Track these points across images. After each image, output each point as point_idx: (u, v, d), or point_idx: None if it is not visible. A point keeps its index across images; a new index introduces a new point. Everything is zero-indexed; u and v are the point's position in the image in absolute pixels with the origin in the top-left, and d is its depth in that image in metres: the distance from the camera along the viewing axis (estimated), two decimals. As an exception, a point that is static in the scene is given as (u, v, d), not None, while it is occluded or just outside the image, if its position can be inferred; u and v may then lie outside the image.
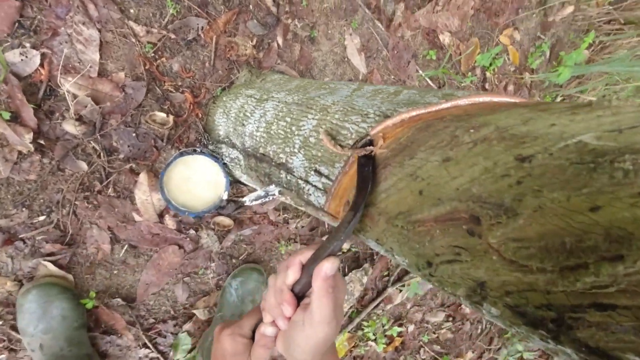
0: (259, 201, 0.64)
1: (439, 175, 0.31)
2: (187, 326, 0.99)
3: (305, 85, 0.64)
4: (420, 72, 1.11)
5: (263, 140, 0.63)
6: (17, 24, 0.66)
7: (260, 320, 0.42)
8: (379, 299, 1.26)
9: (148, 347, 0.96)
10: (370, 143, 0.39)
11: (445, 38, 1.14)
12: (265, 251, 1.04)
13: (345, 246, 1.13)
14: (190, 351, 1.01)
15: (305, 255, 0.37)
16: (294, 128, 0.54)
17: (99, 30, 0.72)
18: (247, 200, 0.64)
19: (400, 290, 1.30)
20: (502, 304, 0.28)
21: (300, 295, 0.37)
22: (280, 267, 0.38)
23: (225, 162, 0.82)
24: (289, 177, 0.57)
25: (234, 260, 1.01)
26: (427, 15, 1.09)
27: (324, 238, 0.43)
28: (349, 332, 1.24)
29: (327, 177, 0.46)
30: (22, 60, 0.68)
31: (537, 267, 0.23)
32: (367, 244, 0.48)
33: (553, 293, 0.23)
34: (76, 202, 0.80)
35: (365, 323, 1.26)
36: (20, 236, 0.77)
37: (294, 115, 0.55)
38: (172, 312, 0.97)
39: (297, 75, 0.94)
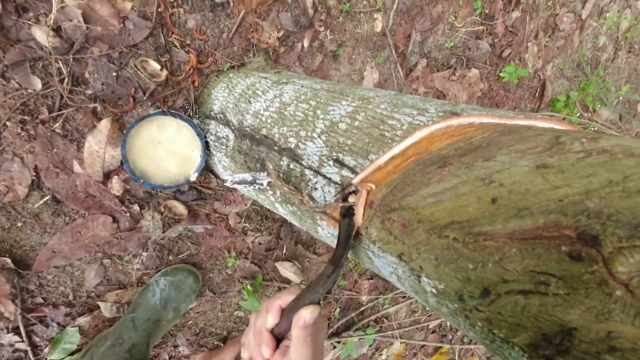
0: (241, 186, 0.54)
1: (530, 182, 0.25)
2: (83, 320, 0.79)
3: (333, 83, 0.58)
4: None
5: (270, 120, 0.54)
6: None
7: (239, 353, 0.42)
8: (311, 351, 1.12)
9: (19, 334, 0.74)
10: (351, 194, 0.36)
11: (451, 107, 1.17)
12: (210, 257, 0.90)
13: (296, 280, 1.01)
14: (72, 353, 0.80)
15: (285, 299, 0.36)
16: (319, 112, 0.47)
17: (124, -52, 0.63)
18: (229, 179, 0.53)
19: (335, 347, 1.17)
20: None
21: (280, 337, 0.37)
22: (260, 307, 0.38)
23: (209, 140, 0.72)
24: (292, 166, 0.48)
25: (170, 257, 0.85)
26: (443, 80, 1.12)
27: (301, 283, 0.40)
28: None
29: (351, 169, 0.38)
30: (19, -64, 0.56)
31: (697, 316, 0.17)
32: (366, 261, 0.39)
33: None
34: (7, 123, 0.64)
35: (287, 374, 1.10)
36: None
37: (322, 99, 0.48)
38: (70, 297, 0.78)
39: (310, 84, 0.89)
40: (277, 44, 0.83)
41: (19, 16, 0.60)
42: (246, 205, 0.89)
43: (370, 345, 1.27)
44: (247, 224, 0.92)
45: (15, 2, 0.59)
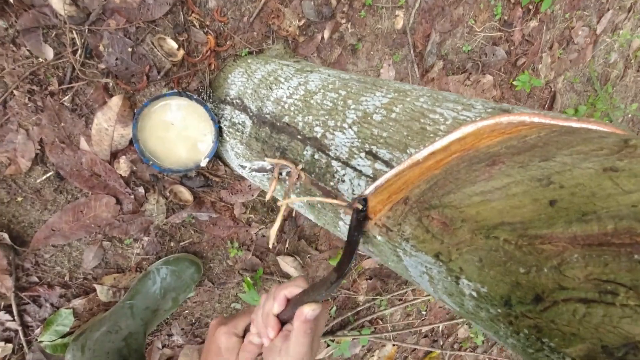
0: (260, 174, 0.52)
1: (596, 185, 0.23)
2: (78, 302, 0.76)
3: (361, 75, 0.56)
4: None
5: (294, 108, 0.53)
6: None
7: (249, 324, 0.45)
8: (305, 348, 1.11)
9: (10, 313, 0.72)
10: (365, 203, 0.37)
11: (462, 112, 1.16)
12: (212, 247, 0.88)
13: (296, 275, 1.00)
14: (64, 335, 0.77)
15: (291, 290, 0.40)
16: (350, 102, 0.45)
17: None
18: (249, 166, 0.51)
19: (329, 345, 1.16)
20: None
21: (284, 322, 0.40)
22: (269, 293, 0.42)
23: (223, 126, 0.69)
24: (317, 156, 0.46)
25: (172, 244, 0.83)
26: (457, 83, 1.11)
27: (302, 277, 0.44)
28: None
29: (386, 162, 0.37)
30: None
31: None
32: (392, 260, 0.38)
33: None
34: (14, 92, 0.61)
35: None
36: None
37: (353, 89, 0.47)
38: (66, 278, 0.75)
39: (327, 77, 0.87)
40: (298, 33, 0.81)
41: (36, -20, 0.57)
42: (253, 195, 0.87)
43: (363, 346, 1.26)
44: (252, 215, 0.90)
45: (33, -36, 0.56)
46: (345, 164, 0.42)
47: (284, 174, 0.52)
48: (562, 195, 0.25)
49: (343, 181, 0.42)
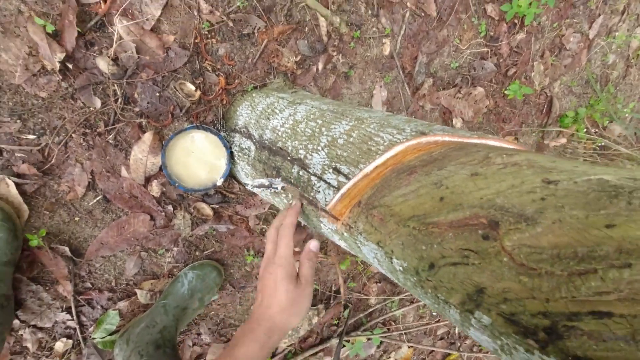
0: (260, 189, 0.65)
1: (465, 185, 0.34)
2: (122, 304, 0.91)
3: (340, 103, 0.68)
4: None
5: (286, 135, 0.65)
6: (101, -43, 0.70)
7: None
8: (320, 347, 1.21)
9: (70, 313, 0.87)
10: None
11: (457, 122, 1.25)
12: (231, 255, 1.01)
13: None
14: (112, 333, 0.92)
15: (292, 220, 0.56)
16: (323, 129, 0.57)
17: (170, -8, 0.77)
18: (250, 183, 0.64)
19: (344, 346, 1.25)
20: (496, 312, 0.29)
21: None
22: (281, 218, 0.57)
23: (233, 150, 0.83)
24: (301, 173, 0.59)
25: (197, 253, 0.97)
26: (448, 97, 1.21)
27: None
28: (279, 371, 1.16)
29: (345, 175, 0.48)
30: (90, -13, 0.71)
31: (546, 271, 0.26)
32: (356, 250, 0.49)
33: (553, 300, 0.25)
34: (73, 135, 0.78)
35: (299, 367, 1.19)
36: (0, 145, 0.73)
37: (327, 118, 0.59)
38: (112, 284, 0.90)
39: (324, 102, 1.00)
40: (295, 67, 0.94)
41: (87, 50, 0.74)
42: (264, 208, 1.00)
43: (378, 347, 1.34)
44: (264, 226, 1.02)
45: (85, 38, 0.73)
46: (320, 178, 0.53)
47: (279, 188, 0.64)
48: (446, 194, 0.35)
49: (319, 192, 0.54)
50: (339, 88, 1.03)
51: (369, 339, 1.26)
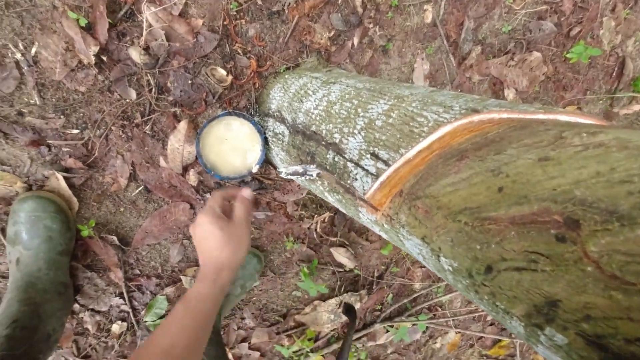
0: (295, 177, 0.61)
1: (531, 173, 0.28)
2: (169, 290, 0.94)
3: (377, 80, 0.62)
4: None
5: (319, 118, 0.61)
6: (125, -58, 0.68)
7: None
8: (364, 332, 1.19)
9: (123, 298, 0.92)
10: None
11: (509, 94, 1.13)
12: (271, 241, 1.00)
13: (350, 265, 1.08)
14: (161, 317, 0.96)
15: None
16: (359, 110, 0.52)
17: (196, -26, 0.74)
18: (284, 171, 0.61)
19: (387, 331, 1.22)
20: (575, 332, 0.24)
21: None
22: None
23: (267, 136, 0.81)
24: (336, 159, 0.54)
25: (237, 240, 0.97)
26: (500, 66, 1.09)
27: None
28: (323, 355, 1.16)
29: (385, 162, 0.44)
30: (116, -24, 0.69)
31: (651, 286, 0.20)
32: (402, 245, 0.44)
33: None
34: (112, 127, 0.79)
35: (342, 352, 1.18)
36: (49, 142, 0.76)
37: (363, 98, 0.54)
38: (159, 271, 0.94)
39: (360, 80, 0.94)
40: (329, 44, 0.89)
41: (119, 41, 0.74)
42: (302, 194, 0.98)
43: (424, 332, 1.30)
44: (303, 212, 1.00)
45: (116, 29, 0.73)
46: (357, 164, 0.49)
47: (314, 175, 0.61)
48: (507, 183, 0.30)
49: (356, 179, 0.49)
50: (377, 64, 0.96)
51: (413, 325, 1.22)
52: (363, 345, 1.22)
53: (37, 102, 0.73)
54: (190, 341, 0.45)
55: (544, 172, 0.27)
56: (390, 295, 1.19)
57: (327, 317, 1.10)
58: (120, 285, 0.90)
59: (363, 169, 0.48)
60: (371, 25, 0.91)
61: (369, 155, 0.47)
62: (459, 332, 1.34)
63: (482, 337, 1.44)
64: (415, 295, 1.22)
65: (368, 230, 1.10)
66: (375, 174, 0.45)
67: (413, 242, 0.40)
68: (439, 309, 1.28)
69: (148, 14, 0.73)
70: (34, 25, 0.69)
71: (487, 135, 0.34)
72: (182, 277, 0.94)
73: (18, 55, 0.69)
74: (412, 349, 1.32)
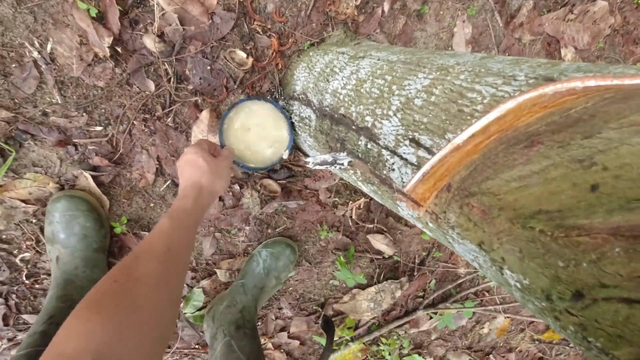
0: (324, 166, 0.55)
1: (645, 166, 0.20)
2: (205, 283, 0.94)
3: (413, 50, 0.53)
4: None
5: (348, 99, 0.54)
6: None
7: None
8: (405, 319, 1.14)
9: (162, 291, 0.92)
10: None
11: (567, 53, 0.98)
12: (304, 231, 0.96)
13: (388, 252, 1.02)
14: (200, 309, 0.96)
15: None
16: (394, 87, 0.44)
17: (205, -53, 0.67)
18: (311, 161, 0.55)
19: (431, 317, 1.16)
20: None
21: None
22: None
23: (294, 121, 0.75)
24: (369, 146, 0.47)
25: (269, 230, 0.94)
26: (556, 21, 0.94)
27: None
28: (364, 343, 1.13)
29: (428, 149, 0.36)
30: (122, -42, 0.64)
31: None
32: (447, 243, 0.37)
33: None
34: (134, 122, 0.76)
35: (383, 339, 1.14)
36: (74, 141, 0.75)
37: (398, 73, 0.46)
38: (193, 264, 0.93)
39: (393, 51, 0.84)
40: (356, 13, 0.80)
41: (132, 29, 0.70)
42: (335, 180, 0.92)
43: (470, 318, 1.22)
44: (336, 199, 0.94)
45: (128, 17, 0.69)
46: (393, 152, 0.42)
47: (345, 164, 0.54)
48: (605, 179, 0.22)
49: (393, 170, 0.42)
50: (411, 32, 0.85)
51: (459, 311, 1.15)
52: (405, 332, 1.17)
53: (59, 101, 0.71)
54: (181, 245, 0.48)
55: (667, 164, 0.19)
56: (433, 281, 1.12)
57: (366, 305, 1.06)
58: (157, 279, 0.90)
59: (401, 157, 0.40)
60: (403, -13, 0.80)
61: (407, 142, 0.39)
62: (508, 317, 1.26)
63: (533, 321, 1.34)
64: (460, 280, 1.14)
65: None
66: (416, 163, 0.38)
67: (466, 247, 0.33)
68: (487, 294, 1.19)
69: (159, -3, 0.68)
70: (46, 21, 0.66)
71: (569, 112, 0.25)
72: (217, 270, 0.93)
73: (35, 54, 0.67)
74: (458, 334, 1.26)
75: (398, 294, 1.07)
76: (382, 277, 1.06)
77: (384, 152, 0.44)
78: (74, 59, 0.69)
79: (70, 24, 0.67)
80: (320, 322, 1.02)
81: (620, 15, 0.99)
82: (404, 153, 0.40)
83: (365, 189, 0.56)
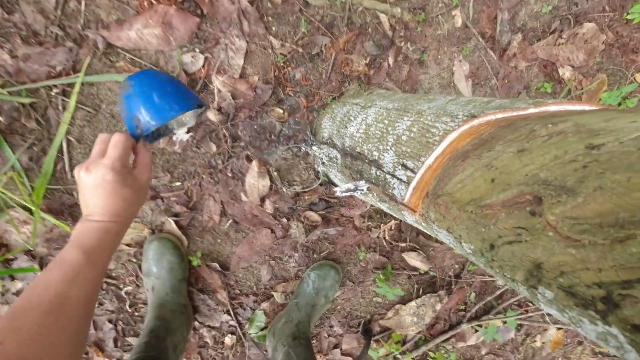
0: (348, 193, 0.71)
1: (512, 164, 0.34)
2: (265, 305, 1.10)
3: (407, 97, 0.70)
4: (538, 99, 1.08)
5: (361, 140, 0.71)
6: (194, 35, 0.88)
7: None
8: (451, 333, 1.20)
9: (229, 315, 1.09)
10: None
11: (565, 72, 1.09)
12: (345, 254, 1.10)
13: (424, 268, 1.12)
14: (262, 329, 1.11)
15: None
16: (389, 128, 0.60)
17: (247, 42, 0.91)
18: (338, 190, 0.72)
19: (476, 330, 1.21)
20: (556, 286, 0.29)
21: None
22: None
23: (324, 160, 0.92)
24: (378, 173, 0.63)
25: (314, 255, 1.09)
26: (547, 47, 1.06)
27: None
28: (412, 358, 1.20)
29: (412, 170, 0.51)
30: (191, 61, 0.89)
31: (590, 241, 0.25)
32: (439, 237, 0.51)
33: (605, 270, 0.25)
34: (203, 176, 0.98)
35: (431, 354, 1.20)
36: (161, 195, 0.98)
37: (392, 118, 0.62)
38: (254, 289, 1.10)
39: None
40: (366, 69, 0.98)
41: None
42: (366, 207, 1.06)
43: (519, 331, 1.25)
44: (370, 223, 1.09)
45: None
46: (393, 175, 0.57)
47: (364, 189, 0.70)
48: (496, 175, 0.36)
49: (394, 188, 0.57)
50: (415, 76, 1.02)
51: (504, 323, 1.19)
52: (453, 347, 1.22)
53: (150, 166, 0.96)
54: (95, 289, 0.44)
55: (520, 161, 0.33)
56: (473, 293, 1.19)
57: (410, 320, 1.15)
58: (226, 304, 1.08)
59: (398, 178, 0.56)
60: (403, 43, 0.99)
61: (400, 167, 0.55)
62: (560, 328, 1.26)
63: (592, 333, 1.32)
64: (500, 291, 1.19)
65: (437, 232, 1.13)
66: (406, 181, 0.53)
67: (443, 234, 0.47)
68: (530, 304, 1.22)
69: (217, 82, 0.91)
70: (141, 111, 0.92)
71: (482, 136, 0.40)
72: (274, 294, 1.09)
73: (134, 135, 0.93)
74: (509, 348, 1.28)
75: (438, 307, 1.15)
76: (420, 292, 1.15)
77: (387, 176, 0.59)
78: (159, 134, 0.94)
79: (156, 110, 0.93)
80: (360, 328, 1.13)
81: (612, 32, 1.09)
82: (399, 175, 0.55)
83: (383, 207, 0.71)
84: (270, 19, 0.91)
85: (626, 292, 0.24)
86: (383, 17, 0.96)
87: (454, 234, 0.43)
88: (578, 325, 0.29)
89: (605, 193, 0.25)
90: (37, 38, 0.83)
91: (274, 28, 0.92)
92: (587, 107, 0.37)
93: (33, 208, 0.85)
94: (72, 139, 0.90)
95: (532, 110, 0.40)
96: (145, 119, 0.56)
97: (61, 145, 0.89)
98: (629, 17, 1.06)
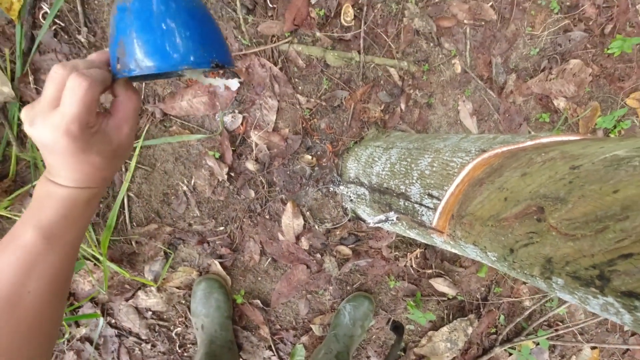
0: (380, 224, 0.81)
1: (518, 185, 0.45)
2: (304, 339, 1.16)
3: (423, 137, 0.82)
4: (532, 133, 1.19)
5: (387, 177, 0.82)
6: (234, 99, 1.04)
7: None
8: (485, 358, 1.22)
9: (271, 350, 1.15)
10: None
11: (560, 102, 1.21)
12: (376, 283, 1.18)
13: (451, 293, 1.18)
14: (303, 363, 1.16)
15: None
16: (413, 165, 0.72)
17: (278, 101, 1.06)
18: (371, 221, 0.82)
19: (510, 354, 1.23)
20: (565, 274, 0.39)
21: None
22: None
23: (352, 198, 1.03)
24: (406, 204, 0.74)
25: (348, 287, 1.17)
26: (540, 83, 1.19)
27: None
28: (452, 386, 1.22)
29: (437, 198, 0.62)
30: (232, 120, 1.05)
31: (581, 234, 0.35)
32: (466, 252, 0.60)
33: (596, 255, 0.35)
34: (244, 220, 1.10)
35: (470, 380, 1.22)
36: (207, 239, 1.09)
37: (414, 156, 0.74)
38: (293, 323, 1.16)
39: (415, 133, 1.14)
40: (382, 115, 1.12)
41: (239, 159, 1.07)
42: (392, 238, 1.15)
43: (553, 352, 1.27)
44: (397, 252, 1.17)
45: (236, 153, 1.07)
46: (420, 204, 0.68)
47: (394, 219, 0.80)
48: (508, 194, 0.46)
49: (423, 215, 0.68)
50: (425, 117, 1.16)
51: (537, 344, 1.21)
52: (490, 372, 1.24)
53: (198, 214, 1.08)
54: (67, 274, 0.37)
55: (524, 182, 0.44)
56: (502, 316, 1.23)
57: (444, 346, 1.19)
58: (268, 339, 1.14)
59: (425, 206, 0.66)
60: (412, 90, 1.13)
61: (426, 196, 0.65)
62: (595, 347, 1.27)
63: (628, 349, 1.32)
64: (528, 312, 1.23)
65: (459, 257, 1.20)
66: (433, 207, 0.63)
67: (470, 248, 0.56)
68: (561, 324, 1.25)
69: (254, 137, 1.06)
70: (191, 166, 1.06)
71: (492, 165, 0.51)
72: (313, 327, 1.15)
73: (184, 188, 1.06)
74: (547, 372, 1.28)
75: (470, 330, 1.19)
76: (451, 317, 1.20)
77: (415, 205, 0.70)
78: (206, 186, 1.07)
79: (203, 165, 1.07)
80: (389, 325, 1.16)
81: (597, 65, 1.23)
82: (426, 203, 0.66)
83: (411, 234, 0.81)
84: (296, 80, 1.07)
85: (612, 268, 0.33)
86: (392, 70, 1.11)
87: (480, 246, 0.52)
88: (586, 303, 0.38)
89: (586, 199, 0.35)
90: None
91: (300, 87, 1.08)
92: (571, 138, 0.48)
93: (101, 258, 0.96)
94: (132, 195, 1.04)
95: (529, 143, 0.51)
96: (134, 54, 0.35)
97: (122, 201, 1.02)
98: (609, 51, 1.20)
